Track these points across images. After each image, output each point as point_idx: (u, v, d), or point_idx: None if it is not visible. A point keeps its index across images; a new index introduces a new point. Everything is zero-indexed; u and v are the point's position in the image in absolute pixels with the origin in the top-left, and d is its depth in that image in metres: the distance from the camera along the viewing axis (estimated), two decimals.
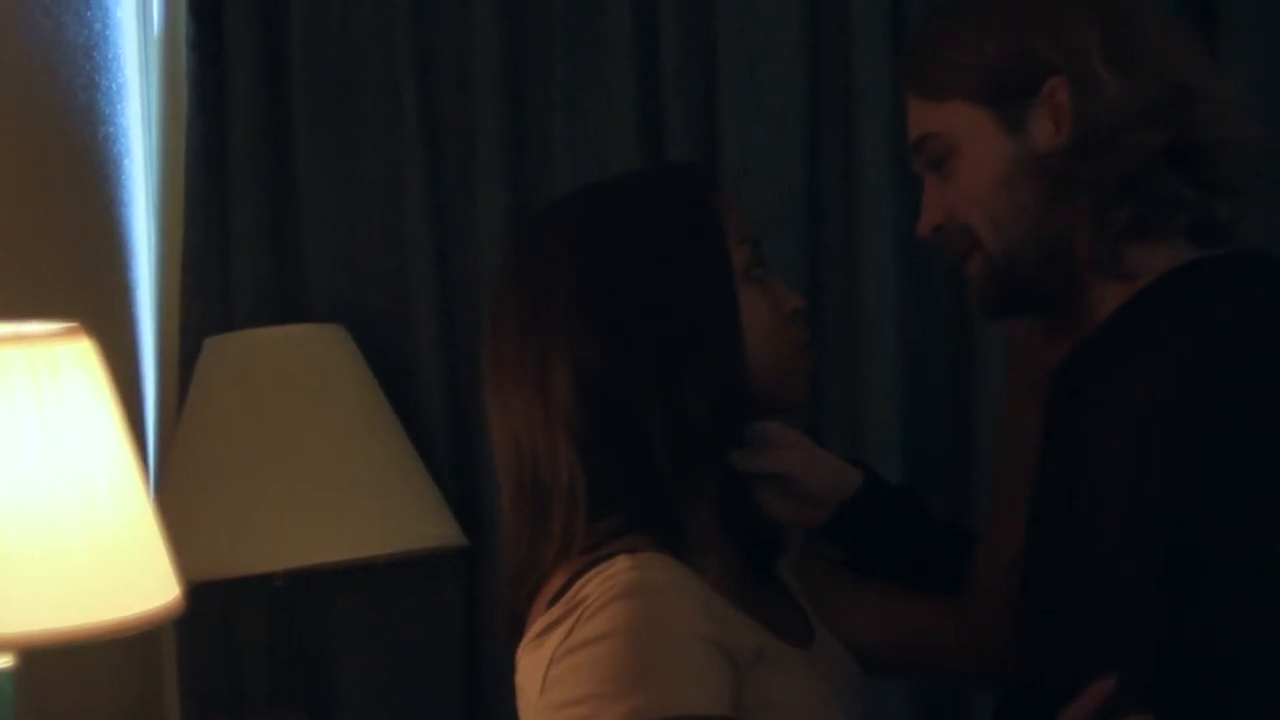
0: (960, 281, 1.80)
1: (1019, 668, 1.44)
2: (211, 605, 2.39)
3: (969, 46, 1.44)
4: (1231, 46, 2.18)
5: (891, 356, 2.26)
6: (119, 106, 2.40)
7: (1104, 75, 1.40)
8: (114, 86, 2.38)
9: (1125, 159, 1.39)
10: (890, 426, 2.26)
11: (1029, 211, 1.43)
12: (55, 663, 1.61)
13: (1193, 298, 1.38)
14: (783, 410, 1.49)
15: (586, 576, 1.33)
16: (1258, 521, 1.24)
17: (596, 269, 1.41)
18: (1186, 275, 1.40)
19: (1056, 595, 1.34)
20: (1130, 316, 1.41)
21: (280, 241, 2.46)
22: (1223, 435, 1.26)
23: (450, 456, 2.36)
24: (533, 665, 1.34)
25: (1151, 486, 1.26)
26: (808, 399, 1.52)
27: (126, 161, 2.42)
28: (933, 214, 1.49)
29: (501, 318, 1.46)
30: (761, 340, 1.43)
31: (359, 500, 2.20)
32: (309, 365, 2.27)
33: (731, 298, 1.42)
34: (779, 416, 1.50)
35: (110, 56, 2.38)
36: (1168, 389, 1.30)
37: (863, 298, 2.25)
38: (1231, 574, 1.24)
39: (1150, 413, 1.29)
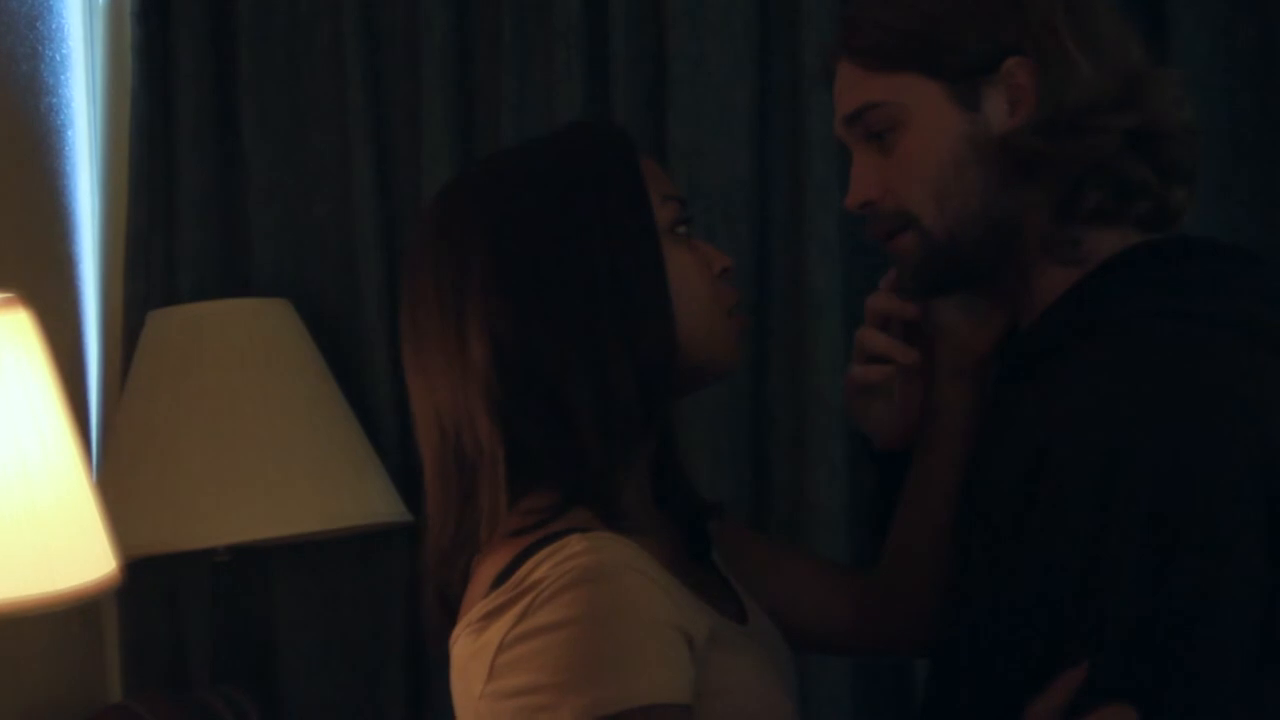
0: None
1: (953, 653, 1.42)
2: (154, 580, 2.38)
3: (925, 17, 1.40)
4: (1180, 35, 2.19)
5: (838, 339, 2.26)
6: (63, 77, 2.38)
7: (1076, 56, 1.37)
8: (58, 57, 2.36)
9: (1097, 141, 1.37)
10: (836, 410, 2.26)
11: (978, 191, 1.40)
12: None
13: (1139, 281, 1.37)
14: (716, 375, 1.44)
15: (537, 558, 1.26)
16: (1221, 520, 1.24)
17: (511, 231, 1.35)
18: (1135, 259, 1.39)
19: (1013, 585, 1.31)
20: (1081, 300, 1.39)
21: (225, 215, 2.45)
22: (1184, 434, 1.25)
23: (395, 432, 2.36)
24: (476, 650, 1.28)
25: (1123, 487, 1.25)
26: (738, 363, 1.47)
27: (70, 133, 2.40)
28: (867, 188, 1.45)
29: (418, 283, 1.39)
30: (689, 299, 1.38)
31: (303, 476, 2.19)
32: (253, 339, 2.26)
33: (655, 254, 1.36)
34: (711, 381, 1.44)
35: (54, 26, 2.36)
36: (1126, 383, 1.28)
37: (810, 280, 2.25)
38: (1196, 571, 1.23)
39: (1114, 408, 1.27)
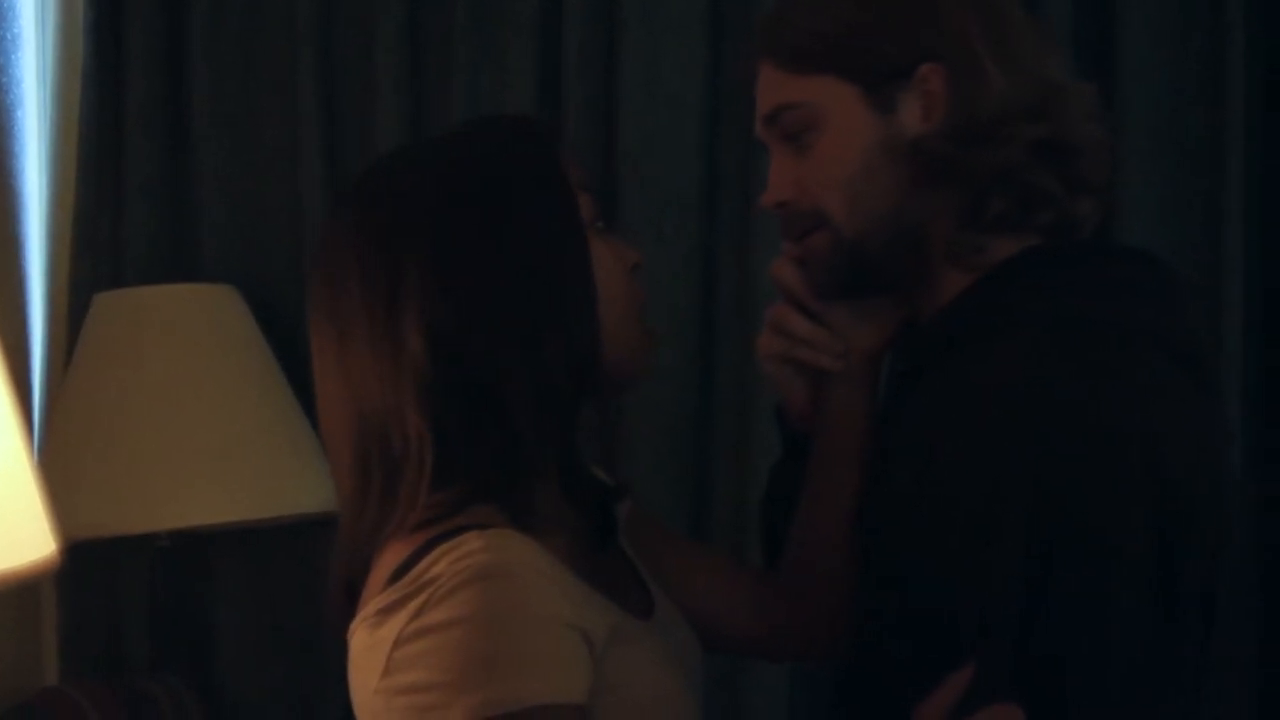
0: None
1: (853, 654, 1.42)
2: (94, 565, 2.37)
3: (843, 21, 1.41)
4: (1132, 48, 2.21)
5: None
6: (14, 57, 2.36)
7: (989, 65, 1.39)
8: (9, 36, 2.35)
9: (1005, 150, 1.38)
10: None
11: (889, 194, 1.41)
12: None
13: (1036, 283, 1.38)
14: (627, 374, 1.42)
15: (435, 553, 1.25)
16: (1102, 529, 1.26)
17: (449, 225, 1.33)
18: (1029, 260, 1.40)
19: (905, 587, 1.32)
20: (974, 301, 1.40)
21: (174, 199, 2.44)
22: (1072, 438, 1.26)
23: None
24: (372, 644, 1.27)
25: (1007, 487, 1.26)
26: (648, 368, 1.44)
27: (19, 113, 2.38)
28: (782, 189, 1.46)
29: (342, 269, 1.36)
30: (609, 295, 1.37)
31: (244, 462, 2.19)
32: (198, 324, 2.26)
33: (585, 250, 1.35)
34: (624, 384, 1.44)
35: (6, 5, 2.34)
36: (1016, 385, 1.29)
37: (757, 282, 2.26)
38: (1079, 571, 1.25)
39: (1002, 409, 1.28)
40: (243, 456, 2.19)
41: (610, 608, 1.34)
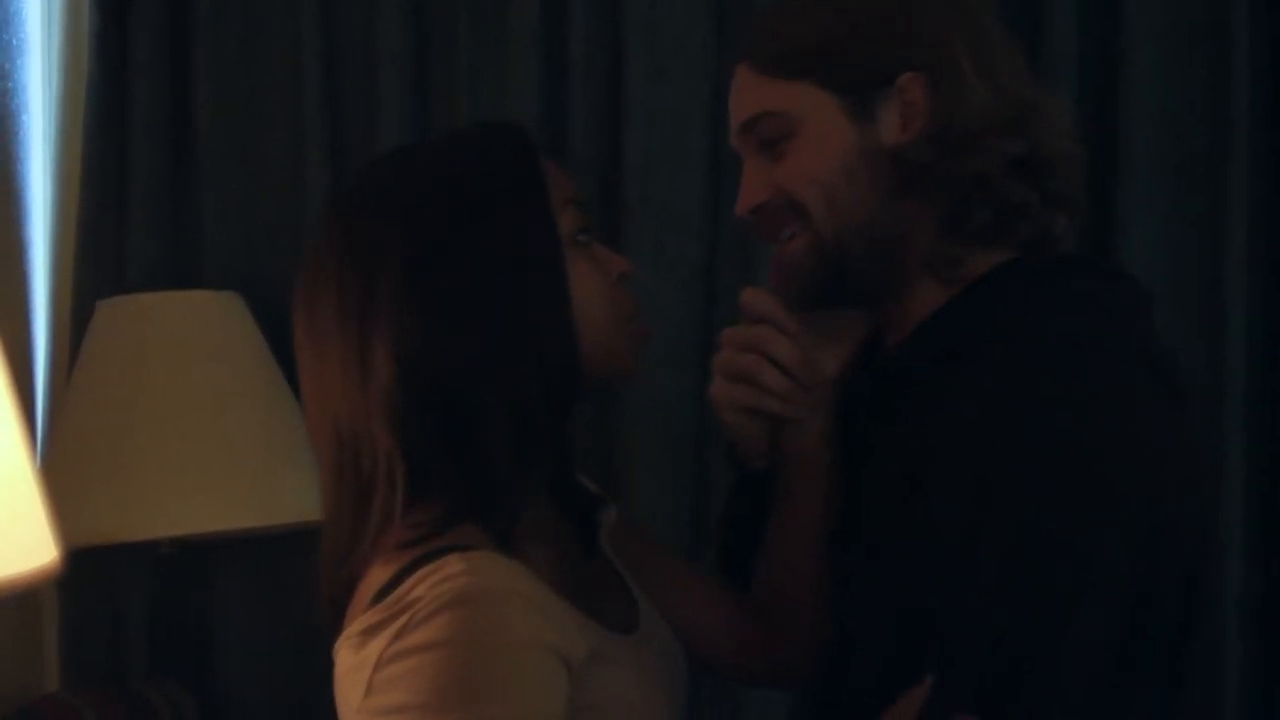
0: None
1: (824, 670, 1.42)
2: (96, 571, 2.37)
3: (823, 28, 1.41)
4: (1136, 69, 2.21)
5: None
6: (19, 61, 2.37)
7: (970, 77, 1.39)
8: (15, 41, 2.35)
9: (982, 160, 1.38)
10: None
11: (867, 200, 1.40)
12: None
13: (1017, 298, 1.39)
14: (612, 382, 1.43)
15: (417, 575, 1.26)
16: (1082, 554, 1.25)
17: (419, 246, 1.33)
18: (1008, 275, 1.40)
19: (882, 599, 1.32)
20: (955, 317, 1.40)
21: (178, 206, 2.44)
22: (1056, 456, 1.26)
23: None
24: (356, 665, 1.27)
25: (991, 506, 1.25)
26: (635, 371, 1.44)
27: (25, 117, 2.39)
28: (756, 192, 1.45)
29: (321, 284, 1.37)
30: (589, 311, 1.36)
31: (246, 470, 2.19)
32: (202, 332, 2.26)
33: (558, 269, 1.35)
34: (609, 388, 1.44)
35: (12, 10, 2.35)
36: (1001, 403, 1.29)
37: None
38: (1050, 604, 1.25)
39: (989, 427, 1.28)
40: (245, 464, 2.19)
41: (591, 627, 1.34)
